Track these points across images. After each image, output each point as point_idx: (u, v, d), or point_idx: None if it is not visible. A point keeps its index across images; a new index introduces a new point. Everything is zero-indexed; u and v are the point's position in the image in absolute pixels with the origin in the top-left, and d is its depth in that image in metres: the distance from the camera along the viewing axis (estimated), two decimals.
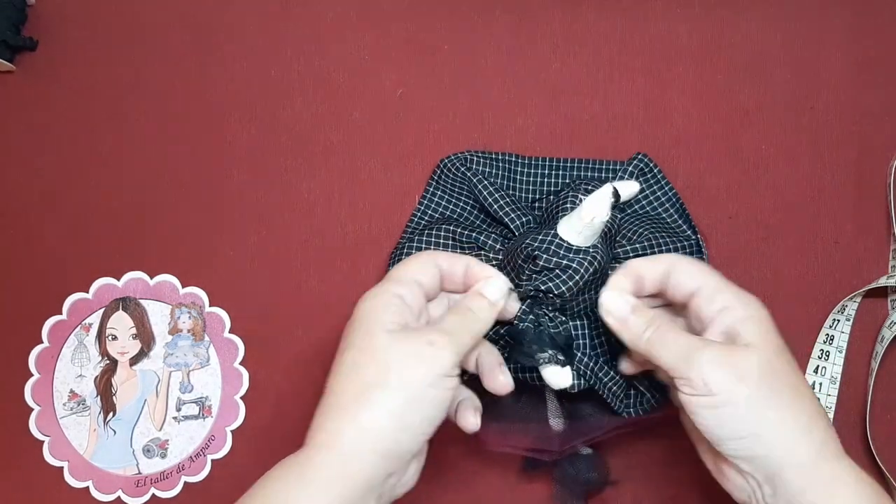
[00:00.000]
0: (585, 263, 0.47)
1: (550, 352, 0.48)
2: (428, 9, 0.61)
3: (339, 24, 0.61)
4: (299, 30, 0.61)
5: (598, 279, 0.48)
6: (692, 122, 0.59)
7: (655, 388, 0.51)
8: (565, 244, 0.48)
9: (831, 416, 0.56)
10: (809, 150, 0.59)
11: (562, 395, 0.52)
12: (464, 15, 0.61)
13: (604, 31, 0.60)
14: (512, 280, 0.49)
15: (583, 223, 0.47)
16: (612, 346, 0.51)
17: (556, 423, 0.53)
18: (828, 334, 0.57)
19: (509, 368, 0.49)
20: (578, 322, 0.50)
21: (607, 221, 0.49)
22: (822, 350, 0.57)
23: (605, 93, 0.60)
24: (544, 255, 0.48)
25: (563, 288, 0.47)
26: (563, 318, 0.50)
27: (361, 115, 0.61)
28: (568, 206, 0.50)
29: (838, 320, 0.57)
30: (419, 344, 0.43)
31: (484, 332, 0.46)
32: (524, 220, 0.54)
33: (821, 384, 0.56)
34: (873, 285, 0.56)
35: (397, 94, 0.61)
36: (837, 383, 0.56)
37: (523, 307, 0.49)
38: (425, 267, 0.47)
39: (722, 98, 0.59)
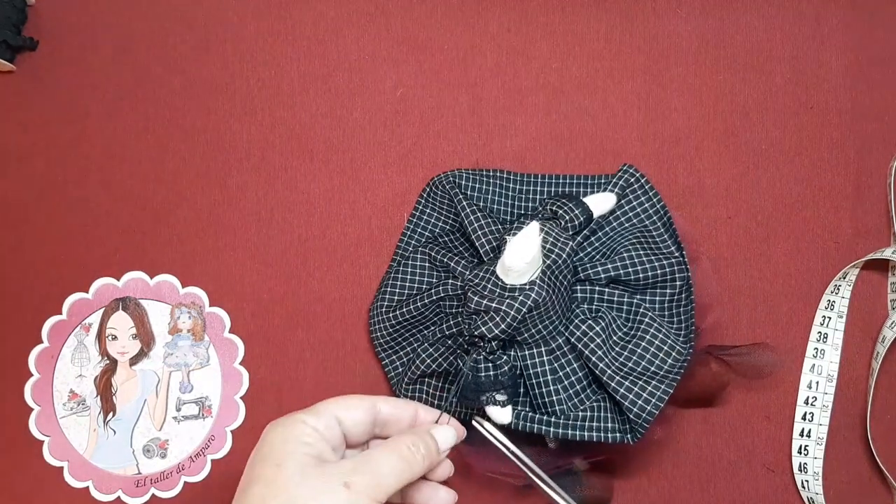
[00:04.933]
0: (516, 304, 0.46)
1: (488, 394, 0.48)
2: (428, 9, 0.61)
3: (339, 24, 0.61)
4: (299, 30, 0.61)
5: (552, 308, 0.48)
6: (692, 121, 0.59)
7: (620, 412, 0.50)
8: (500, 283, 0.47)
9: (828, 414, 0.56)
10: (809, 150, 0.59)
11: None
12: (463, 15, 0.61)
13: (603, 30, 0.60)
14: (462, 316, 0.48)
15: (505, 266, 0.46)
16: (581, 372, 0.50)
17: (552, 445, 0.52)
18: (820, 333, 0.57)
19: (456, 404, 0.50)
20: (535, 350, 0.49)
21: (558, 250, 0.48)
22: (817, 349, 0.57)
23: (605, 92, 0.60)
24: (475, 297, 0.47)
25: (496, 331, 0.46)
26: (507, 358, 0.48)
27: (361, 115, 0.61)
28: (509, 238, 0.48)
29: (830, 317, 0.57)
30: (333, 483, 0.38)
31: (417, 478, 0.42)
32: (494, 245, 0.52)
33: (817, 383, 0.56)
34: (876, 255, 0.56)
35: (397, 94, 0.61)
36: (834, 381, 0.56)
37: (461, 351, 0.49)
38: (354, 406, 0.43)
39: (721, 98, 0.59)
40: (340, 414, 0.42)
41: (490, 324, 0.46)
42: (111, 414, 0.59)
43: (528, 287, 0.46)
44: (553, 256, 0.48)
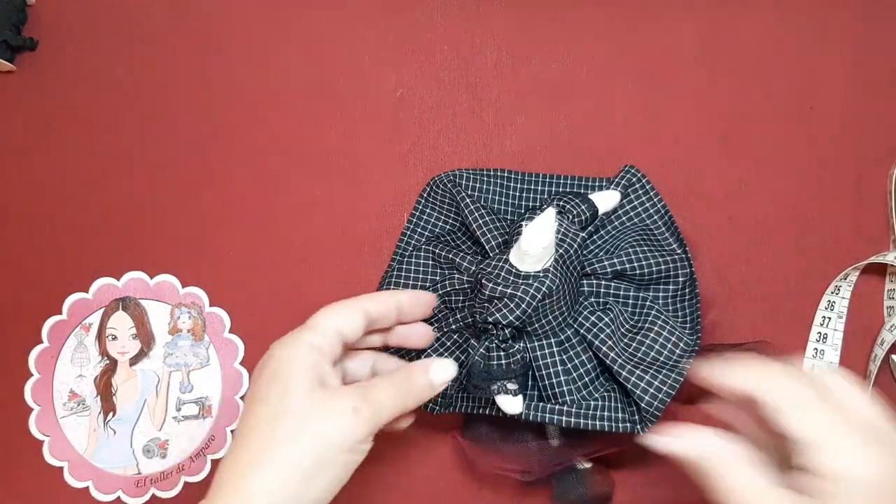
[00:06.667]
0: (532, 290, 0.46)
1: (499, 383, 0.48)
2: (428, 8, 0.61)
3: (339, 25, 0.61)
4: (299, 30, 0.61)
5: (563, 298, 0.48)
6: (692, 122, 0.59)
7: (629, 403, 0.50)
8: (514, 270, 0.47)
9: None
10: (809, 150, 0.59)
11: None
12: (464, 16, 0.61)
13: (604, 31, 0.60)
14: (475, 307, 0.49)
15: (521, 250, 0.47)
16: (590, 364, 0.50)
17: (555, 442, 0.52)
18: (820, 334, 0.57)
19: (466, 397, 0.51)
20: (544, 342, 0.49)
21: (569, 241, 0.48)
22: (816, 349, 0.57)
23: (605, 93, 0.60)
24: (490, 284, 0.47)
25: (511, 317, 0.47)
26: (519, 347, 0.49)
27: (361, 115, 0.61)
28: (522, 228, 0.49)
29: (829, 317, 0.57)
30: (342, 408, 0.42)
31: (411, 409, 0.46)
32: (500, 241, 0.53)
33: None
34: (878, 259, 0.56)
35: (397, 94, 0.61)
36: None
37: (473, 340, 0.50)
38: (349, 316, 0.46)
39: (722, 98, 0.59)
40: (340, 327, 0.45)
41: (505, 310, 0.47)
42: (111, 414, 0.59)
43: (542, 274, 0.47)
44: (565, 246, 0.49)
